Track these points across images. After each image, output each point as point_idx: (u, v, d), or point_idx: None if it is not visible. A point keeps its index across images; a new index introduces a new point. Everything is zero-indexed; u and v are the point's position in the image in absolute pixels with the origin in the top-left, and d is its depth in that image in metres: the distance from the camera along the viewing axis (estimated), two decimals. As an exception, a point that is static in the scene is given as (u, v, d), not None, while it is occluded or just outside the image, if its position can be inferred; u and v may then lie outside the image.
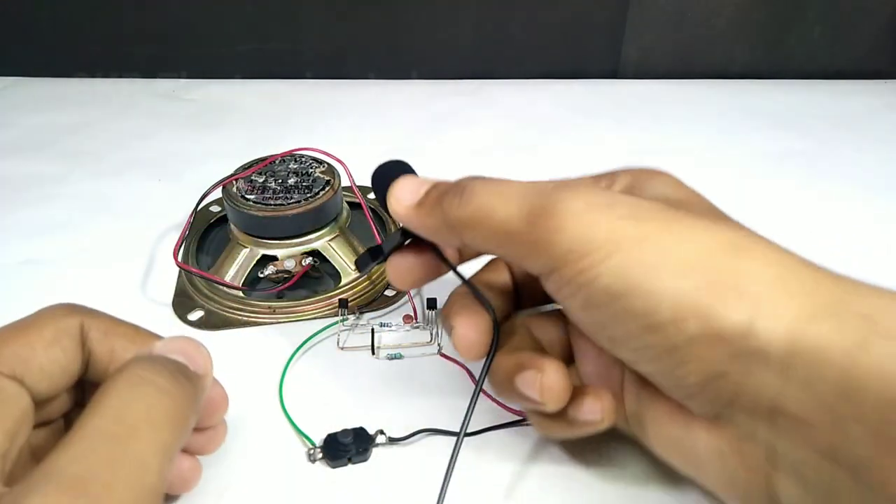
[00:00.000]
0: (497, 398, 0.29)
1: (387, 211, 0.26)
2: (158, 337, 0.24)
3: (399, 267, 0.27)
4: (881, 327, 0.17)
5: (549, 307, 0.28)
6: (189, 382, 0.22)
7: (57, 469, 0.17)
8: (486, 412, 0.30)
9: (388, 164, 0.28)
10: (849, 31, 0.66)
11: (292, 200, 0.37)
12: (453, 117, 0.60)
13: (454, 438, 0.28)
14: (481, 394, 0.31)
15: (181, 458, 0.25)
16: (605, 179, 0.26)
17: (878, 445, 0.17)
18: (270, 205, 0.36)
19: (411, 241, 0.26)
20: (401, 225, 0.26)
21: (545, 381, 0.23)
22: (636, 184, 0.25)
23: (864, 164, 0.53)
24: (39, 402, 0.22)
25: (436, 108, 0.62)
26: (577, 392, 0.24)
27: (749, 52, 0.67)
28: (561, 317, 0.27)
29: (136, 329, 0.24)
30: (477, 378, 0.31)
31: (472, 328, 0.25)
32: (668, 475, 0.27)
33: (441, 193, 0.24)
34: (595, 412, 0.24)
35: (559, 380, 0.23)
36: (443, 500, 0.23)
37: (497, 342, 0.25)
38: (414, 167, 0.27)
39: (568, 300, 0.22)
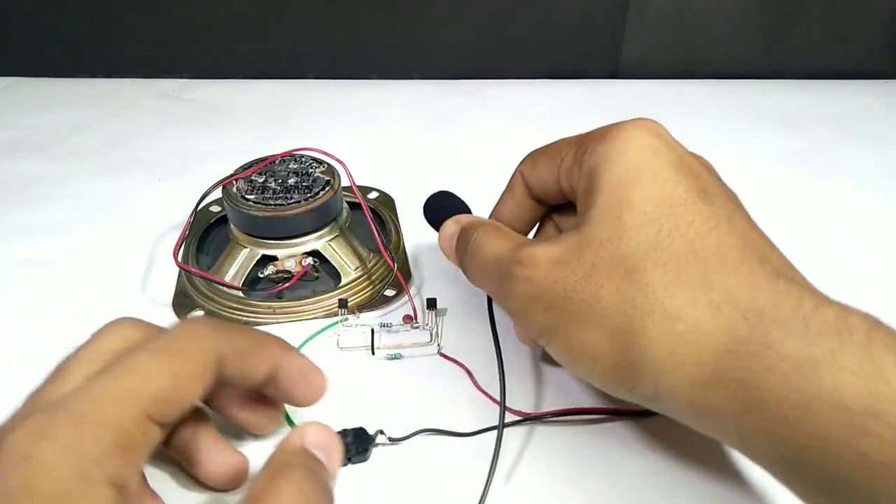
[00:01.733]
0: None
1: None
2: (279, 346, 0.26)
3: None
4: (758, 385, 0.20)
5: None
6: (324, 490, 0.20)
7: None
8: (487, 412, 0.30)
9: (442, 198, 0.34)
10: (849, 31, 0.66)
11: (292, 200, 0.37)
12: (453, 117, 0.60)
13: (454, 438, 0.29)
14: (482, 395, 0.31)
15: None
16: (559, 153, 0.29)
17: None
18: (270, 205, 0.36)
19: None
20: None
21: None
22: (581, 160, 0.27)
23: (864, 164, 0.53)
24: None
25: (436, 108, 0.62)
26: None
27: (749, 52, 0.67)
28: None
29: (258, 344, 0.25)
30: (473, 377, 0.32)
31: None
32: (668, 476, 0.27)
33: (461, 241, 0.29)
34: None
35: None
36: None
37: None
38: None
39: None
